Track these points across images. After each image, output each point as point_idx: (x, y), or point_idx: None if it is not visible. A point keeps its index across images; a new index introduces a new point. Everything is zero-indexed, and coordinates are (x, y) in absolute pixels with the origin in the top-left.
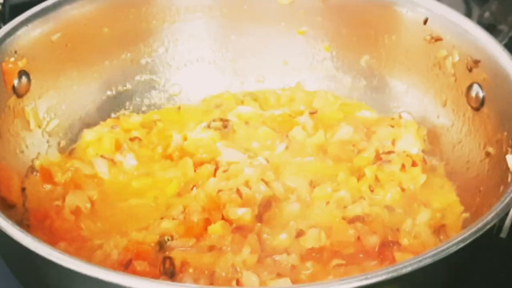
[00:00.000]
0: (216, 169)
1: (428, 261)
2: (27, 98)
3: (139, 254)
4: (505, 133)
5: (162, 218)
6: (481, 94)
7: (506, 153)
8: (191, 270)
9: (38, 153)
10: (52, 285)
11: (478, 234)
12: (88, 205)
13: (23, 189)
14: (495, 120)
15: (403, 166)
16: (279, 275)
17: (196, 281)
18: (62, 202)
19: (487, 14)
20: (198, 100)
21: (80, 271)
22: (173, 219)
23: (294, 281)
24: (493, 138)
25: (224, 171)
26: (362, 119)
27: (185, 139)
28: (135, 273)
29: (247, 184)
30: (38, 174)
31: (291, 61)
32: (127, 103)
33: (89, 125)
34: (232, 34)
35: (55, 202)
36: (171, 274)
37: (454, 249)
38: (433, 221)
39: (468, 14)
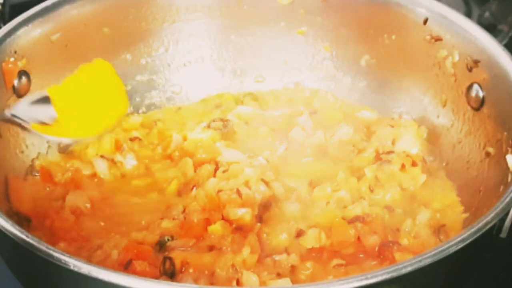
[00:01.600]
0: (216, 169)
1: (428, 261)
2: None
3: (139, 254)
4: (505, 133)
5: (162, 218)
6: (481, 94)
7: (506, 153)
8: (191, 270)
9: (38, 153)
10: (52, 285)
11: (478, 234)
12: (88, 205)
13: None
14: (495, 120)
15: (403, 166)
16: (279, 275)
17: (196, 281)
18: (62, 202)
19: (487, 14)
20: (198, 100)
21: (80, 271)
22: (173, 219)
23: (294, 281)
24: (493, 138)
25: (224, 171)
26: (362, 119)
27: (185, 139)
28: (135, 273)
29: (247, 184)
30: (38, 174)
31: (291, 61)
32: None
33: None
34: (232, 34)
35: (55, 202)
36: (171, 274)
37: (454, 249)
38: (433, 221)
39: (468, 14)
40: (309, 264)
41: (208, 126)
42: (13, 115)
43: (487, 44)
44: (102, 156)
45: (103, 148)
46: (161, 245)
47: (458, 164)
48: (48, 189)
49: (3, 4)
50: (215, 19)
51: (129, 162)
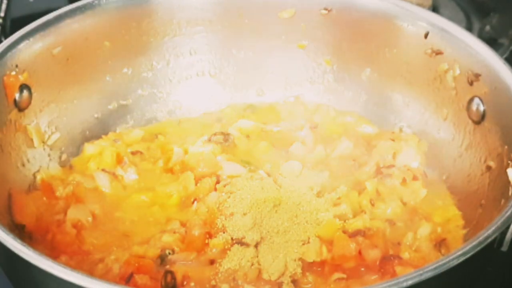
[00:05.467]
0: (217, 183)
1: (429, 274)
2: (29, 112)
3: (140, 268)
4: (506, 147)
5: (163, 232)
6: (482, 108)
7: (507, 166)
8: (192, 284)
9: (40, 167)
10: None
11: (479, 248)
12: (90, 219)
13: None
14: (496, 133)
15: (403, 180)
16: None
17: None
18: (63, 216)
19: (487, 28)
20: (199, 113)
21: (82, 285)
22: (174, 233)
23: None
24: (494, 152)
25: (225, 185)
26: (362, 133)
27: (186, 152)
28: (136, 287)
29: None
30: (39, 187)
31: (292, 75)
32: (128, 117)
33: (90, 138)
34: (233, 48)
35: (57, 216)
36: None
37: (455, 262)
38: (434, 235)
39: (469, 27)
40: (310, 278)
41: (209, 140)
42: None
43: (488, 58)
44: (103, 170)
45: (105, 161)
46: (162, 259)
47: (459, 178)
48: (49, 202)
49: (4, 18)
50: (216, 33)
51: (130, 176)
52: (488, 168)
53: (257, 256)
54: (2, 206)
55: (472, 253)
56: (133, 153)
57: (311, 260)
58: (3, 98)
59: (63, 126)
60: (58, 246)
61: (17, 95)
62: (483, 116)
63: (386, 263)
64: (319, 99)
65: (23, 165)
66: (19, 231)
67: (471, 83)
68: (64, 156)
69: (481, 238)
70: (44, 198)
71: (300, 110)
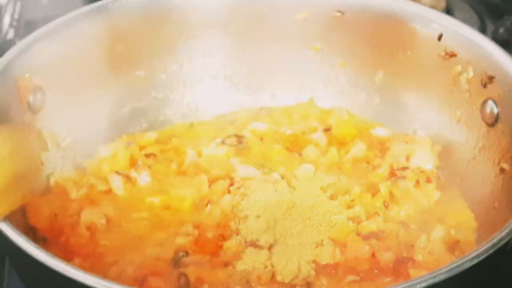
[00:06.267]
0: (230, 185)
1: (443, 277)
2: (42, 115)
3: (154, 270)
4: None
5: (176, 234)
6: (495, 110)
7: None
8: (206, 286)
9: (54, 169)
10: None
11: (492, 250)
12: (103, 221)
13: None
14: (510, 135)
15: (417, 182)
16: None
17: None
18: (77, 218)
19: (501, 30)
20: (213, 116)
21: (96, 287)
22: (188, 235)
23: None
24: (507, 154)
25: (239, 188)
26: (376, 136)
27: (199, 155)
28: None
29: None
30: (53, 190)
31: (305, 77)
32: (142, 119)
33: (104, 141)
34: (247, 50)
35: (70, 218)
36: None
37: (469, 265)
38: (447, 237)
39: (483, 30)
40: (323, 280)
41: (223, 142)
42: None
43: (501, 60)
44: (117, 172)
45: (118, 164)
46: (176, 261)
47: (472, 180)
48: (63, 205)
49: (18, 21)
50: (230, 35)
51: (143, 178)
52: (502, 170)
53: (271, 259)
54: (16, 209)
55: (485, 255)
56: (146, 156)
57: (325, 263)
58: (17, 101)
59: (76, 128)
60: (72, 249)
61: (30, 98)
62: (496, 118)
63: (400, 266)
64: (332, 102)
65: (37, 168)
66: (33, 233)
67: (484, 85)
68: (77, 159)
69: (494, 240)
70: (58, 201)
71: (314, 113)
